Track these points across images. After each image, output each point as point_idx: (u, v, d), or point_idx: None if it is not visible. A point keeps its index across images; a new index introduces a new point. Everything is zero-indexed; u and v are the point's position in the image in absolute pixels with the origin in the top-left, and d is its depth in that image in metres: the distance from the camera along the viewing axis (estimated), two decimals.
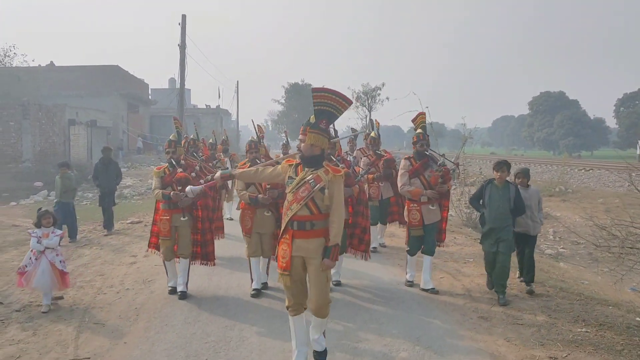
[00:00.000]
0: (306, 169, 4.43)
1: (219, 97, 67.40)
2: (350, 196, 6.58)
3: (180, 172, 6.59)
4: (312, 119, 4.55)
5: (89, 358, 4.73)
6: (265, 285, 6.83)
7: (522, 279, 6.87)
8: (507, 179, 6.34)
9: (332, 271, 6.45)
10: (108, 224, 11.37)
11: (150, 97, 47.63)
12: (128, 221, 13.08)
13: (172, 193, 6.43)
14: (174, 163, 6.68)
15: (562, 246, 12.72)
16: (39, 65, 36.00)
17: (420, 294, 6.66)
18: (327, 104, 4.38)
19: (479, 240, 6.93)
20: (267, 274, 6.93)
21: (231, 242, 9.68)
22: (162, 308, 6.15)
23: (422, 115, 7.09)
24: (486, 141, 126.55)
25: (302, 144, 4.64)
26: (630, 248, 5.36)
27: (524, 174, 6.90)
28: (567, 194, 20.36)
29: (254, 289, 6.65)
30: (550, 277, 7.63)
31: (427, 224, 6.73)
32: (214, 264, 6.96)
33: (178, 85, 62.91)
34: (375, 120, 9.74)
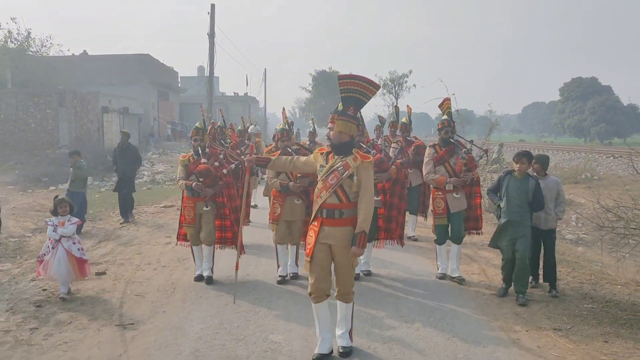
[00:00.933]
0: (336, 156, 4.45)
1: (247, 84, 67.64)
2: (388, 180, 6.60)
3: (203, 163, 6.53)
4: (340, 107, 4.46)
5: (132, 323, 5.25)
6: (295, 275, 6.80)
7: (532, 282, 6.36)
8: (529, 171, 5.97)
9: (362, 260, 6.74)
10: (124, 212, 11.04)
11: (179, 85, 48.43)
12: (161, 205, 13.70)
13: (194, 184, 6.46)
14: (199, 151, 6.63)
15: (583, 232, 12.88)
16: (73, 54, 37.05)
17: (449, 285, 6.60)
18: (354, 90, 4.35)
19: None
20: (297, 264, 6.89)
21: (256, 230, 9.83)
22: (197, 283, 6.65)
23: (447, 101, 6.93)
24: (516, 128, 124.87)
25: (331, 132, 4.58)
26: (634, 229, 5.61)
27: (540, 161, 6.32)
28: (592, 181, 20.34)
29: (280, 276, 6.72)
30: (565, 259, 7.91)
31: (453, 212, 6.58)
32: (244, 252, 6.87)
33: (207, 73, 63.59)
34: (407, 106, 9.54)
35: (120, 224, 10.71)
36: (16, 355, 4.53)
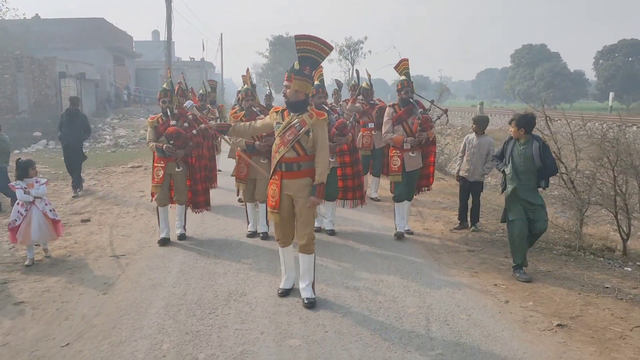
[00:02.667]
0: (292, 113, 4.68)
1: (203, 49, 67.39)
2: (345, 143, 6.79)
3: (173, 125, 6.57)
4: (297, 66, 4.62)
5: (124, 255, 6.21)
6: (265, 235, 6.92)
7: (473, 227, 7.25)
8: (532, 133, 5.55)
9: (326, 220, 7.15)
10: (76, 183, 10.14)
11: (134, 49, 47.88)
12: (129, 165, 14.43)
13: (164, 147, 6.48)
14: (168, 113, 6.68)
15: None
16: (24, 17, 36.27)
17: (408, 238, 6.93)
18: (309, 51, 4.53)
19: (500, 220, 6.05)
20: (268, 225, 7.01)
21: (222, 192, 9.96)
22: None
23: (404, 61, 6.95)
24: (470, 94, 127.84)
25: (288, 90, 4.80)
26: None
27: (477, 122, 7.27)
28: None
29: (250, 231, 7.05)
30: (490, 203, 9.23)
31: (408, 170, 6.79)
32: (209, 209, 7.24)
33: (162, 38, 62.46)
34: (366, 70, 9.61)
35: (72, 197, 9.81)
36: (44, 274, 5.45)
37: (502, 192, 5.74)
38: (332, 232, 7.13)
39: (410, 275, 5.48)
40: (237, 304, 4.70)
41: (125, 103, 39.93)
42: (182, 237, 6.88)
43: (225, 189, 10.16)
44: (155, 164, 6.72)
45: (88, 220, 7.98)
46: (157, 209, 6.81)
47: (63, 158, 10.47)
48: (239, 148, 6.73)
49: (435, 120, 7.27)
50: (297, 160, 4.62)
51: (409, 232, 7.10)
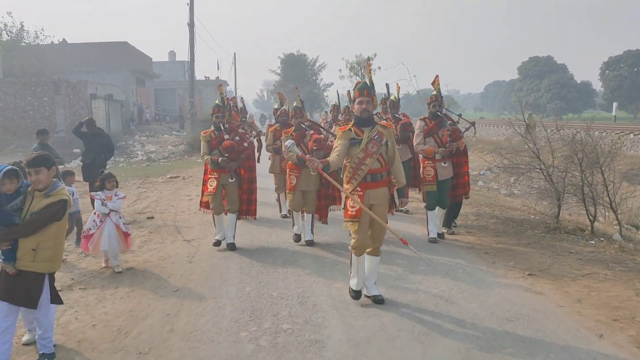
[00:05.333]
0: (364, 128, 5.00)
1: (218, 68, 69.72)
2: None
3: (227, 139, 6.98)
4: (369, 83, 5.06)
5: (193, 239, 7.85)
6: (311, 242, 7.24)
7: None
8: None
9: (307, 230, 7.30)
10: None
11: (153, 70, 50.12)
12: (167, 176, 16.17)
13: (220, 160, 6.90)
14: (221, 127, 7.10)
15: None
16: (52, 42, 38.56)
17: (444, 242, 7.33)
18: (371, 71, 5.16)
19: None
20: (313, 232, 7.35)
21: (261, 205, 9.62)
22: None
23: (437, 78, 7.41)
24: (478, 106, 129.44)
25: (364, 105, 4.97)
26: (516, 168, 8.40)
27: None
28: None
29: (296, 234, 7.44)
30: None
31: (441, 180, 7.22)
32: (255, 218, 7.89)
33: (178, 58, 64.62)
34: (397, 84, 9.61)
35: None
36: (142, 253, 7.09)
37: None
38: (310, 243, 7.26)
39: (460, 277, 5.86)
40: (293, 267, 6.32)
41: (147, 121, 41.98)
42: (232, 247, 7.13)
43: (265, 202, 10.23)
44: (209, 175, 7.19)
45: (152, 217, 9.63)
46: (213, 217, 7.30)
47: (82, 178, 9.62)
48: (289, 161, 7.08)
49: (464, 132, 7.54)
50: (381, 171, 4.99)
51: (441, 237, 7.44)
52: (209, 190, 7.15)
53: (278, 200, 9.61)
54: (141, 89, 43.38)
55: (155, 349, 4.25)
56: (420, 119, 7.43)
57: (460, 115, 7.65)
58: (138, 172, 17.25)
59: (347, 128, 5.05)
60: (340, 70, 59.13)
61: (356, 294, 5.12)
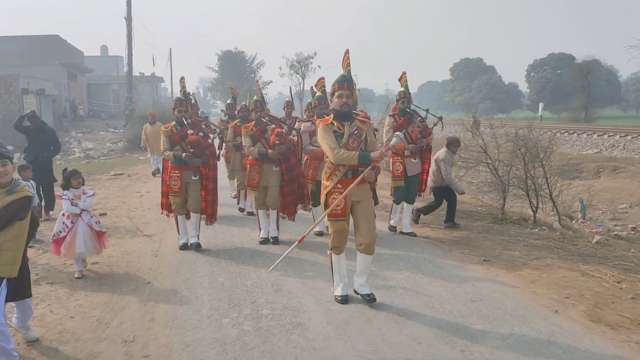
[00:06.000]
0: (344, 122, 4.82)
1: (154, 64, 68.02)
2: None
3: (191, 134, 6.69)
4: (348, 76, 4.85)
5: (154, 234, 7.84)
6: (276, 240, 7.13)
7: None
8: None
9: (272, 227, 7.20)
10: (49, 204, 9.09)
11: (85, 65, 48.40)
12: (111, 174, 15.83)
13: (184, 155, 6.57)
14: (183, 121, 6.81)
15: None
16: None
17: (412, 239, 7.32)
18: (349, 64, 4.87)
19: None
20: (278, 228, 7.24)
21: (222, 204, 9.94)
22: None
23: (404, 75, 7.34)
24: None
25: (344, 99, 4.76)
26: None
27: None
28: None
29: (262, 237, 7.15)
30: None
31: (410, 175, 7.28)
32: (216, 220, 7.23)
33: (111, 53, 62.71)
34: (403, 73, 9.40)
35: (44, 219, 8.71)
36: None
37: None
38: (275, 241, 7.16)
39: (432, 272, 5.84)
40: (262, 259, 6.47)
41: (81, 118, 40.51)
42: (197, 246, 6.87)
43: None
44: (170, 174, 6.79)
45: (105, 214, 9.49)
46: (176, 218, 6.97)
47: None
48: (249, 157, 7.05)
49: (432, 127, 7.50)
50: (360, 166, 4.75)
51: (412, 235, 7.41)
52: (173, 190, 6.77)
53: (238, 196, 9.59)
54: (73, 84, 41.75)
55: (140, 336, 4.32)
56: (390, 115, 7.47)
57: (427, 111, 7.66)
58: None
59: (329, 121, 4.86)
60: (280, 68, 59.17)
61: (344, 298, 4.92)
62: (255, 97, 7.36)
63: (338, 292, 4.98)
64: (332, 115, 4.96)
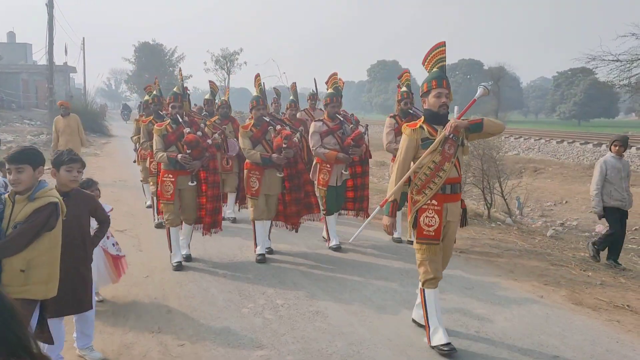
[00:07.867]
0: (434, 125, 4.09)
1: (66, 53, 64.07)
2: (360, 154, 6.57)
3: (189, 132, 5.79)
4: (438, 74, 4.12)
5: (126, 229, 7.70)
6: (270, 250, 6.50)
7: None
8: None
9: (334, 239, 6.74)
10: None
11: None
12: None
13: (179, 157, 5.72)
14: (178, 120, 5.93)
15: None
16: None
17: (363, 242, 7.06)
18: (443, 59, 4.16)
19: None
20: (269, 239, 6.62)
21: None
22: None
23: (406, 73, 6.89)
24: None
25: (444, 99, 4.04)
26: None
27: (623, 142, 6.59)
28: None
29: (260, 254, 6.23)
30: None
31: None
32: (222, 229, 6.39)
33: (18, 40, 59.04)
34: (314, 80, 8.76)
35: None
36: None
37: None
38: (337, 247, 6.67)
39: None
40: (244, 252, 6.60)
41: None
42: (187, 258, 6.17)
43: None
44: (163, 178, 5.94)
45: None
46: (168, 230, 6.05)
47: None
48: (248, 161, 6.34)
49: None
50: (458, 180, 4.11)
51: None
52: (165, 197, 5.92)
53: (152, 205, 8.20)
54: None
55: (165, 327, 4.38)
56: (390, 117, 6.82)
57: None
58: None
59: (418, 126, 4.13)
60: (205, 62, 57.93)
61: (451, 349, 3.91)
62: (255, 93, 6.53)
63: (438, 340, 3.97)
64: (422, 118, 4.23)
